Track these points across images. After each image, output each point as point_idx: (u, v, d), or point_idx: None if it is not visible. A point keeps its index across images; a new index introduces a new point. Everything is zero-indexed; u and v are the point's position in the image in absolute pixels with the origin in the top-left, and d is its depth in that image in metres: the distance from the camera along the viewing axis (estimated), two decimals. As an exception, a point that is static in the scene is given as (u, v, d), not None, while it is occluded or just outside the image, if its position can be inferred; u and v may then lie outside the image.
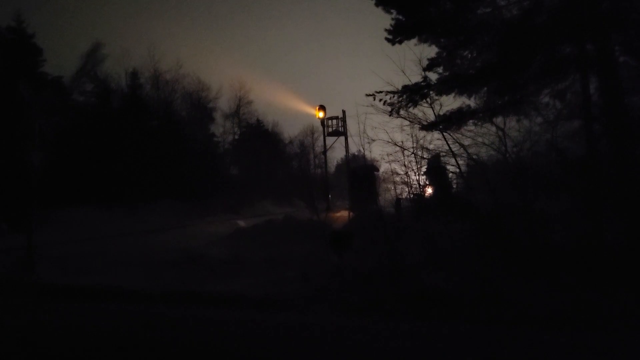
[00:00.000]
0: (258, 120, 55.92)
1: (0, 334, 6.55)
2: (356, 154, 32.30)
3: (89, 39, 73.30)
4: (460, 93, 11.43)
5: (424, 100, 11.29)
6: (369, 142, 12.02)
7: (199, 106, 45.34)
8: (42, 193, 15.45)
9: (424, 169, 12.22)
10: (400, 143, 11.49)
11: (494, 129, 10.77)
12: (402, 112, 11.47)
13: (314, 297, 8.42)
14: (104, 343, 5.95)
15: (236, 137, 53.20)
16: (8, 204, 20.10)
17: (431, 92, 11.24)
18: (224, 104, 57.93)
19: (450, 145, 11.00)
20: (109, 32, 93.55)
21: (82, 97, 34.96)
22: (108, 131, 30.78)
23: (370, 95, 11.32)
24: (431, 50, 11.67)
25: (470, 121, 11.39)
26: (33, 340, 6.21)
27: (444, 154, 11.47)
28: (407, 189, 12.83)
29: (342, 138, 34.24)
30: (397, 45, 11.48)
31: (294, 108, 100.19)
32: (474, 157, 11.01)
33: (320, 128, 35.77)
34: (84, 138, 29.13)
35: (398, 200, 13.82)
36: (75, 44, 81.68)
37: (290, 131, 78.58)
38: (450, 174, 12.43)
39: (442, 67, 11.78)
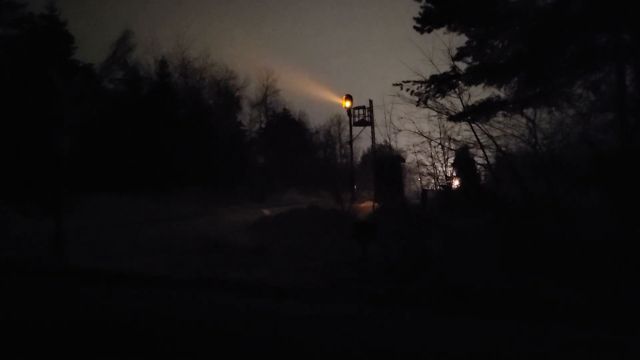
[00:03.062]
0: (285, 109, 56.01)
1: (28, 315, 6.66)
2: (382, 144, 32.06)
3: (119, 27, 73.94)
4: (490, 83, 11.20)
5: (452, 91, 11.12)
6: (395, 133, 11.92)
7: (227, 94, 45.52)
8: (72, 179, 15.75)
9: (451, 160, 12.05)
10: (427, 134, 11.36)
11: (524, 120, 10.54)
12: (429, 102, 11.32)
13: (335, 288, 8.39)
14: (124, 326, 6.01)
15: (263, 126, 53.36)
16: (39, 189, 20.54)
17: (460, 82, 11.06)
18: (251, 92, 58.12)
19: (479, 137, 10.82)
20: (138, 21, 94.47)
21: (112, 85, 35.34)
22: (136, 119, 31.13)
23: (397, 84, 11.19)
24: (460, 40, 11.49)
25: (500, 112, 11.19)
26: (57, 320, 6.29)
27: (471, 145, 11.29)
28: (433, 181, 12.68)
29: (369, 128, 34.02)
30: (425, 34, 11.32)
31: (321, 97, 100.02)
32: (503, 149, 10.79)
33: (347, 118, 35.55)
34: (113, 125, 29.49)
35: (424, 191, 13.67)
36: (105, 32, 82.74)
37: (316, 120, 78.55)
38: (478, 166, 12.23)
39: (471, 57, 11.58)
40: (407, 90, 11.18)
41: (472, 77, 11.06)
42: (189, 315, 6.70)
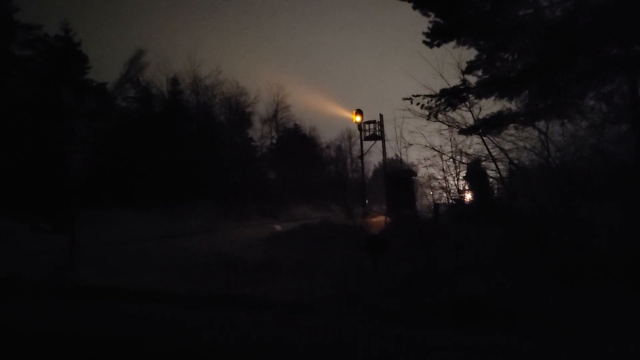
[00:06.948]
0: (295, 124, 56.31)
1: (33, 336, 6.63)
2: (393, 158, 32.08)
3: (132, 47, 75.11)
4: (501, 96, 11.15)
5: (463, 104, 11.07)
6: (406, 147, 11.84)
7: (238, 111, 45.81)
8: (83, 194, 15.82)
9: (463, 173, 11.96)
10: (439, 147, 11.27)
11: (536, 133, 10.46)
12: (440, 116, 11.26)
13: (347, 303, 8.31)
14: (132, 347, 5.96)
15: (274, 141, 53.62)
16: (51, 206, 20.70)
17: (470, 96, 11.02)
18: (262, 108, 58.59)
19: (490, 150, 10.72)
20: (151, 40, 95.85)
21: (125, 103, 35.86)
22: (148, 135, 31.41)
23: (407, 98, 11.15)
24: (470, 53, 11.47)
25: (511, 125, 11.12)
26: (66, 343, 6.24)
27: (483, 158, 11.20)
28: (445, 194, 12.59)
29: (380, 142, 34.11)
30: (435, 48, 11.31)
31: (331, 112, 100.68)
32: (515, 162, 10.70)
33: (358, 132, 35.64)
34: (125, 142, 29.78)
35: (436, 205, 13.58)
36: (118, 52, 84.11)
37: (327, 135, 78.81)
38: (491, 179, 12.13)
39: (481, 70, 11.57)
40: (418, 104, 11.15)
41: (483, 90, 11.03)
42: (195, 336, 6.62)
